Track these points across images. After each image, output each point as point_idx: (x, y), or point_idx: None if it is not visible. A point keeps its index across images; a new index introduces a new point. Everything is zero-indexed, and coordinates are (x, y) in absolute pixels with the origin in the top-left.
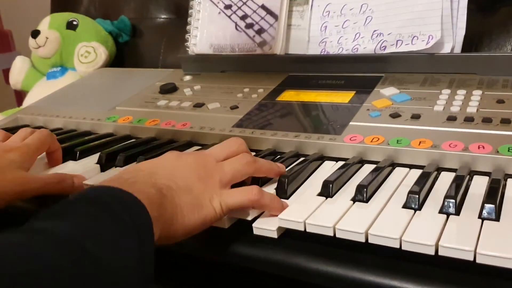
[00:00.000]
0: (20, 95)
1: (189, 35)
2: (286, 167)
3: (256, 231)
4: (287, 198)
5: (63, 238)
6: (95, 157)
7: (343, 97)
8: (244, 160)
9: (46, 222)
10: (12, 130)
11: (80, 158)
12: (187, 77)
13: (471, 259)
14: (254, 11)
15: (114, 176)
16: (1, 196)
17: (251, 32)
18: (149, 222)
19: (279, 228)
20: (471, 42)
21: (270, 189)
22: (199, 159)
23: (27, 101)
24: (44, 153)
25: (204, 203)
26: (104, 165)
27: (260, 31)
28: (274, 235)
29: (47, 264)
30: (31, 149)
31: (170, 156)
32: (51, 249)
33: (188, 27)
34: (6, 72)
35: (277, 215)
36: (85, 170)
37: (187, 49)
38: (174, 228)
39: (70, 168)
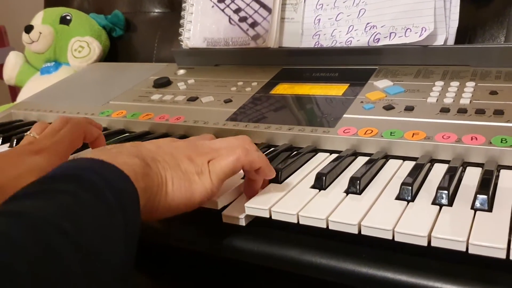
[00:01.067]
0: (14, 91)
1: (183, 29)
2: (281, 161)
3: (243, 222)
4: (280, 183)
5: (39, 220)
6: (88, 151)
7: (337, 89)
8: (239, 148)
9: (22, 202)
10: (5, 125)
11: (73, 153)
12: (181, 71)
13: (464, 249)
14: (248, 5)
15: (98, 148)
16: None
17: (244, 25)
18: (134, 194)
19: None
20: (464, 33)
21: None
22: (192, 144)
23: (21, 96)
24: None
25: (192, 179)
26: None
27: (253, 25)
28: (241, 222)
29: (20, 249)
30: (62, 147)
31: (165, 139)
32: (25, 232)
33: (181, 21)
34: (0, 67)
35: (271, 176)
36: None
37: (181, 43)
38: (159, 202)
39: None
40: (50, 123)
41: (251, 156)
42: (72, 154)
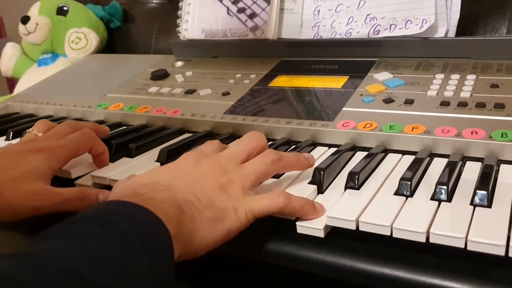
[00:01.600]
0: (12, 82)
1: (181, 20)
2: None
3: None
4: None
5: (54, 263)
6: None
7: (336, 82)
8: (268, 160)
9: (40, 245)
10: (2, 118)
11: None
12: (179, 63)
13: (462, 246)
14: None
15: (129, 189)
16: (15, 210)
17: (243, 16)
18: (166, 239)
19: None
20: (466, 25)
21: None
22: (217, 164)
23: (18, 88)
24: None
25: (227, 215)
26: None
27: (252, 16)
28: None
29: None
30: (65, 153)
31: (187, 162)
32: (36, 275)
33: (179, 12)
34: None
35: (312, 219)
36: (76, 158)
37: (179, 34)
38: (195, 244)
39: None
40: (54, 123)
41: (292, 205)
42: None
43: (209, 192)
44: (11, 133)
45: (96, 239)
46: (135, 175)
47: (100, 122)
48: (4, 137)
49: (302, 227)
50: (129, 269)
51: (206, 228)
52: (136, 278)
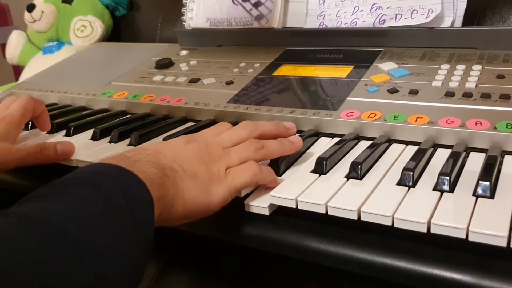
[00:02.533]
0: (18, 70)
1: (186, 9)
2: None
3: (248, 208)
4: (280, 175)
5: (44, 223)
6: (89, 132)
7: (341, 71)
8: (251, 146)
9: (33, 204)
10: None
11: (74, 133)
12: (184, 52)
13: (464, 237)
14: None
15: (116, 154)
16: None
17: (248, 5)
18: (149, 202)
19: (271, 205)
20: (473, 15)
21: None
22: (205, 145)
23: (24, 76)
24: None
25: (210, 188)
26: (98, 141)
27: (257, 4)
28: (266, 212)
29: (21, 252)
30: (16, 118)
31: (177, 140)
32: (30, 235)
33: (184, 1)
34: (4, 46)
35: (273, 187)
36: (79, 146)
37: (184, 23)
38: (176, 210)
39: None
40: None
41: (263, 173)
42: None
43: (193, 164)
44: None
45: (85, 200)
46: None
47: (105, 110)
48: None
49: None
50: (115, 230)
51: (188, 196)
52: (120, 238)
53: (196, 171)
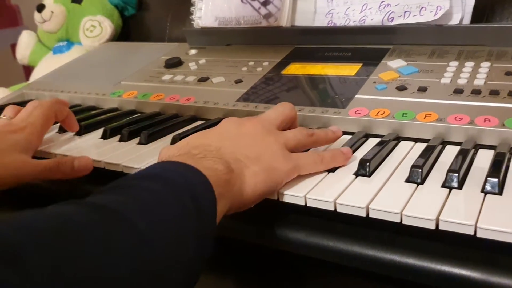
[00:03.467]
0: (28, 70)
1: (194, 8)
2: None
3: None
4: None
5: (115, 213)
6: (99, 132)
7: (350, 69)
8: (303, 131)
9: (104, 196)
10: (20, 104)
11: (84, 133)
12: (193, 51)
13: (472, 233)
14: None
15: (183, 149)
16: None
17: (256, 4)
18: (212, 199)
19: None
20: (482, 12)
21: None
22: (259, 124)
23: (34, 76)
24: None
25: (276, 166)
26: (108, 139)
27: (265, 3)
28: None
29: (93, 237)
30: (37, 127)
31: (230, 125)
32: (99, 223)
33: (193, 0)
34: (14, 47)
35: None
36: (89, 145)
37: (192, 22)
38: (246, 197)
39: (74, 143)
40: (21, 107)
41: (327, 162)
42: None
43: (255, 147)
44: None
45: (156, 195)
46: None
47: (114, 109)
48: None
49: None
50: (179, 228)
51: (255, 181)
52: (183, 237)
53: (260, 151)
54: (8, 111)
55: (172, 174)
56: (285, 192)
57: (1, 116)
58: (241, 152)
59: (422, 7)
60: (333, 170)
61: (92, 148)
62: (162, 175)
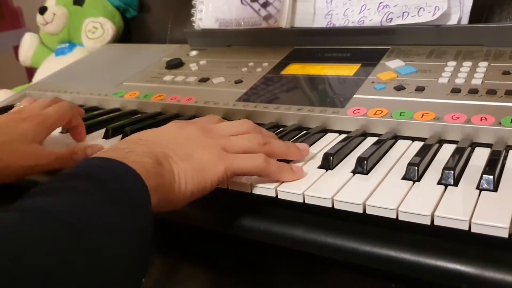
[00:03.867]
0: (31, 72)
1: (195, 10)
2: (289, 140)
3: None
4: None
5: (49, 214)
6: (101, 131)
7: (349, 70)
8: (254, 140)
9: (35, 199)
10: None
11: (87, 133)
12: (194, 52)
13: (466, 228)
14: None
15: (111, 146)
16: (11, 170)
17: (256, 5)
18: (144, 192)
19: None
20: (481, 12)
21: None
22: (201, 129)
23: (37, 78)
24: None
25: (206, 166)
26: (110, 139)
27: (265, 4)
28: (273, 193)
29: (30, 241)
30: (48, 121)
31: (172, 125)
32: (35, 225)
33: (193, 2)
34: (17, 49)
35: (290, 181)
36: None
37: (193, 24)
38: (174, 195)
39: (76, 142)
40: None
41: (270, 168)
42: None
43: (187, 147)
44: None
45: (86, 193)
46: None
47: (116, 109)
48: None
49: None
50: (114, 222)
51: (183, 179)
52: (119, 230)
53: (190, 152)
54: (25, 101)
55: (98, 170)
56: (283, 190)
57: (17, 104)
58: (172, 149)
59: (420, 8)
60: (329, 167)
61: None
62: (88, 172)
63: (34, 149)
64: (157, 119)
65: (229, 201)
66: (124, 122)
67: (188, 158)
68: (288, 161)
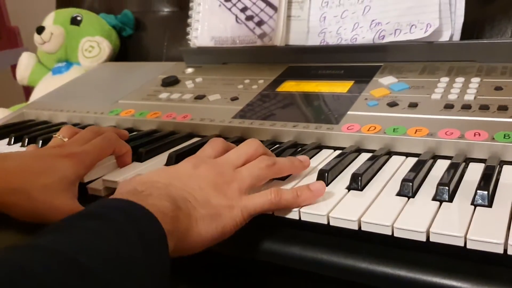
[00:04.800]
0: (28, 91)
1: (190, 28)
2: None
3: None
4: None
5: (57, 253)
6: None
7: (342, 87)
8: (262, 164)
9: (45, 237)
10: (17, 125)
11: None
12: (189, 70)
13: (462, 244)
14: (254, 3)
15: (128, 187)
16: (39, 216)
17: (251, 24)
18: (161, 233)
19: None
20: (472, 29)
21: None
22: (215, 167)
23: (34, 96)
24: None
25: (223, 212)
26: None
27: (260, 23)
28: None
29: (39, 281)
30: (89, 157)
31: (186, 165)
32: (42, 264)
33: (189, 20)
34: (14, 68)
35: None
36: None
37: (189, 42)
38: (190, 241)
39: None
40: (79, 128)
41: (284, 200)
42: None
43: (205, 191)
44: (27, 139)
45: (96, 232)
46: (140, 175)
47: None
48: (19, 144)
49: (305, 214)
50: (125, 261)
51: (202, 225)
52: (131, 269)
53: (208, 197)
54: (64, 131)
55: (113, 211)
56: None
57: (56, 135)
58: (190, 193)
59: (412, 25)
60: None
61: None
62: (103, 213)
63: (70, 206)
64: (153, 137)
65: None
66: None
67: (206, 203)
68: (284, 178)
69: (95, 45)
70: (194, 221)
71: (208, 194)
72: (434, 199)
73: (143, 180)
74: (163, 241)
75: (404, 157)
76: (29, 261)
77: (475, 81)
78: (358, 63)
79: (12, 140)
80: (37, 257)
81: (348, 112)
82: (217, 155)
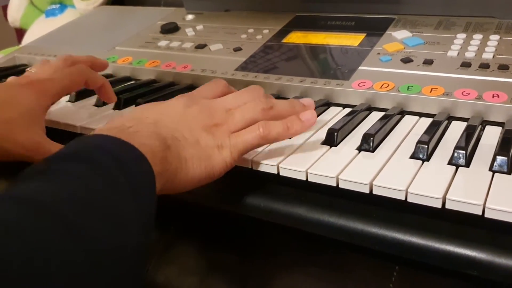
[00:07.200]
0: (21, 33)
1: None
2: None
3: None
4: None
5: (40, 205)
6: (93, 98)
7: (353, 39)
8: (258, 107)
9: (27, 185)
10: (9, 70)
11: (77, 99)
12: (190, 16)
13: (480, 213)
14: None
15: (115, 121)
16: (4, 152)
17: None
18: (150, 176)
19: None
20: None
21: None
22: (207, 109)
23: (26, 40)
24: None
25: (212, 154)
26: (102, 107)
27: None
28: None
29: (16, 237)
30: (54, 86)
31: (177, 103)
32: (23, 219)
33: None
34: (6, 8)
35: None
36: (83, 112)
37: None
38: (178, 181)
39: (67, 109)
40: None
41: (274, 132)
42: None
43: (194, 131)
44: None
45: (82, 180)
46: (132, 111)
47: (109, 75)
48: None
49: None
50: (114, 210)
51: (190, 166)
52: (121, 218)
53: (198, 137)
54: (37, 65)
55: (99, 151)
56: (285, 167)
57: (29, 69)
58: (180, 132)
59: None
60: (334, 144)
61: (86, 116)
62: (88, 154)
63: (36, 141)
64: (152, 87)
65: (229, 177)
66: (117, 90)
67: (195, 143)
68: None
69: None
70: (183, 162)
71: (197, 134)
72: (450, 163)
73: (132, 115)
74: (152, 184)
75: (418, 117)
76: (6, 213)
77: (494, 38)
78: (370, 14)
79: None
80: (16, 210)
81: (360, 68)
82: (214, 96)
